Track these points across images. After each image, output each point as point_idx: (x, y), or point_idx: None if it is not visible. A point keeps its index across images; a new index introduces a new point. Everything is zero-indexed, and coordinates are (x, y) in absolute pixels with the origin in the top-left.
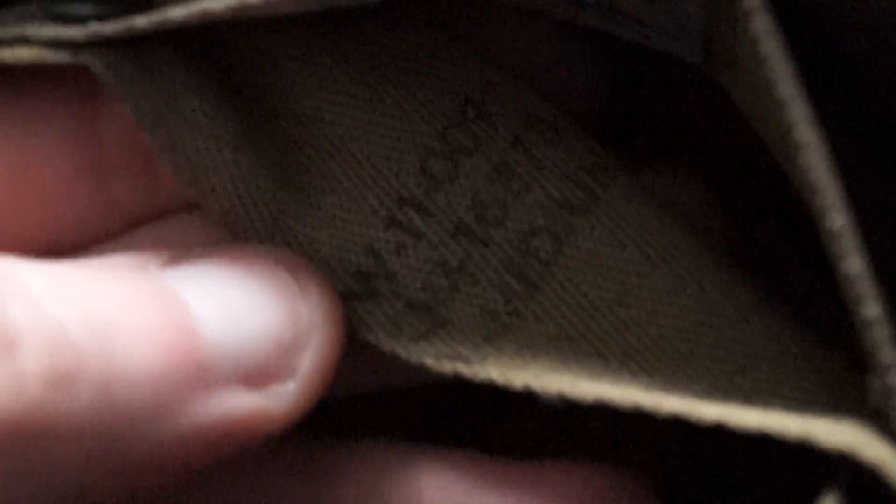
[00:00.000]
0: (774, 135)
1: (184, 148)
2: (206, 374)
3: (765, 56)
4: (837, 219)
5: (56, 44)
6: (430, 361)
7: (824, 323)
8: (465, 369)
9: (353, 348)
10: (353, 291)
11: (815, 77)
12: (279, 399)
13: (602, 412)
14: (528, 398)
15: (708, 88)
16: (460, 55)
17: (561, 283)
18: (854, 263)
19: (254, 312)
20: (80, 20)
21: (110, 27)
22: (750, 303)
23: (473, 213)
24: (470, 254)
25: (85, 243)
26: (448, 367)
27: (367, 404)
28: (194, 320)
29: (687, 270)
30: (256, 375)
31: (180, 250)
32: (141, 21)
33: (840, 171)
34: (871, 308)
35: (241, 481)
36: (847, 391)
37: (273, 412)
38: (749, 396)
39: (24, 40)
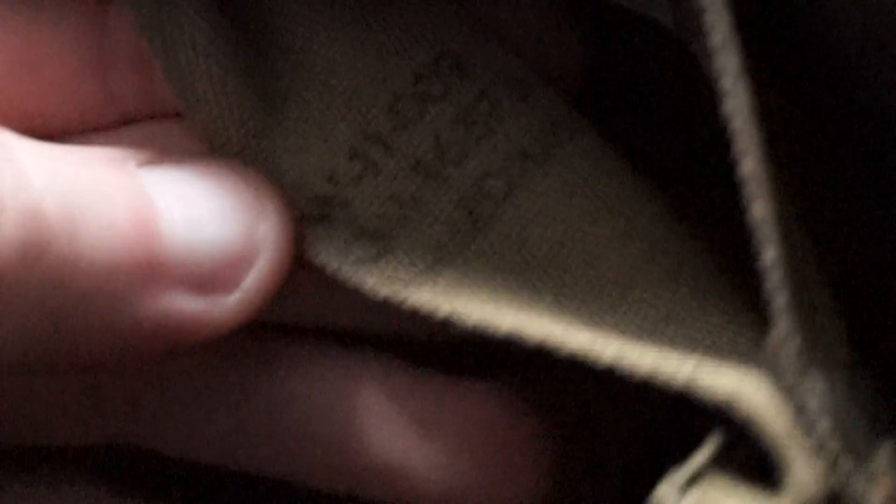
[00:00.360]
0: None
1: (176, 58)
2: (157, 273)
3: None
4: (748, 162)
5: None
6: (369, 283)
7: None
8: (400, 293)
9: (302, 277)
10: (308, 214)
11: (800, 64)
12: (220, 309)
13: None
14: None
15: (684, 57)
16: (446, 5)
17: (508, 223)
18: (759, 207)
19: (213, 224)
20: None
21: None
22: (686, 258)
23: (433, 153)
24: (425, 188)
25: (81, 131)
26: (384, 290)
27: None
28: (158, 221)
29: (631, 223)
30: (203, 283)
31: (161, 152)
32: None
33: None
34: (771, 252)
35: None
36: (759, 344)
37: (213, 320)
38: (670, 344)
39: None
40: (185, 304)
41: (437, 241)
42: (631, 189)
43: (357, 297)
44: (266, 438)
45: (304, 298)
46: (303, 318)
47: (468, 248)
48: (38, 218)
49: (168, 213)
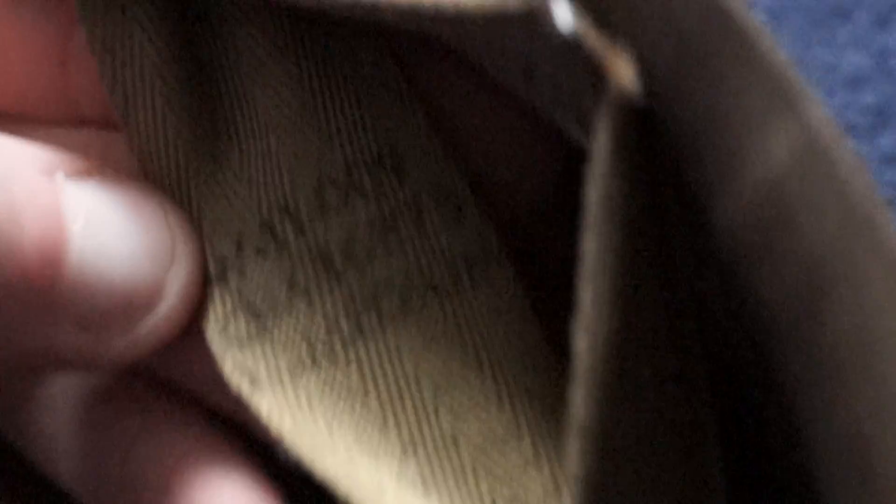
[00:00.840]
0: None
1: (123, 82)
2: (50, 305)
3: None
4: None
5: None
6: (227, 368)
7: None
8: (246, 391)
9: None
10: (209, 272)
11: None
12: (105, 348)
13: None
14: None
15: None
16: (405, 95)
17: (387, 345)
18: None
19: (122, 263)
20: None
21: None
22: (552, 447)
23: (341, 249)
24: (319, 282)
25: (34, 120)
26: (235, 381)
27: None
28: (67, 251)
29: (509, 395)
30: (95, 322)
31: (95, 164)
32: None
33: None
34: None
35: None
36: None
37: (94, 357)
38: None
39: None
40: (69, 339)
41: (310, 339)
42: (518, 354)
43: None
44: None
45: (188, 357)
46: (177, 373)
47: (338, 356)
48: None
49: (80, 243)
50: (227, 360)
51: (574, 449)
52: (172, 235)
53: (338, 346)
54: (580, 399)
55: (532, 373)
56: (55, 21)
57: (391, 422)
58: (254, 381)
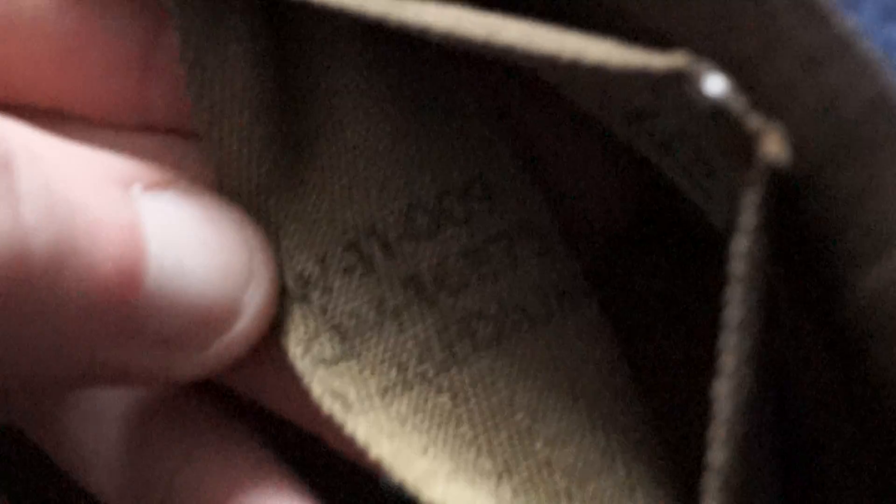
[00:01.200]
0: None
1: (212, 93)
2: (128, 325)
3: (731, 275)
4: (719, 454)
5: None
6: (316, 391)
7: None
8: (339, 414)
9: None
10: (288, 289)
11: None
12: (178, 366)
13: None
14: None
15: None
16: (498, 128)
17: (480, 372)
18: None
19: (200, 281)
20: None
21: None
22: (644, 474)
23: (433, 274)
24: (410, 305)
25: (110, 125)
26: (327, 405)
27: None
28: (145, 268)
29: (602, 423)
30: (171, 340)
31: (171, 174)
32: None
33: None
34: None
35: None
36: None
37: (168, 376)
38: None
39: None
40: (143, 356)
41: (403, 362)
42: (608, 383)
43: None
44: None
45: (261, 372)
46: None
47: (430, 382)
48: (24, 259)
49: (158, 259)
50: (316, 383)
51: (712, 487)
52: (250, 252)
53: (430, 373)
54: (719, 443)
55: (621, 403)
56: (140, 26)
57: (485, 448)
58: (345, 403)
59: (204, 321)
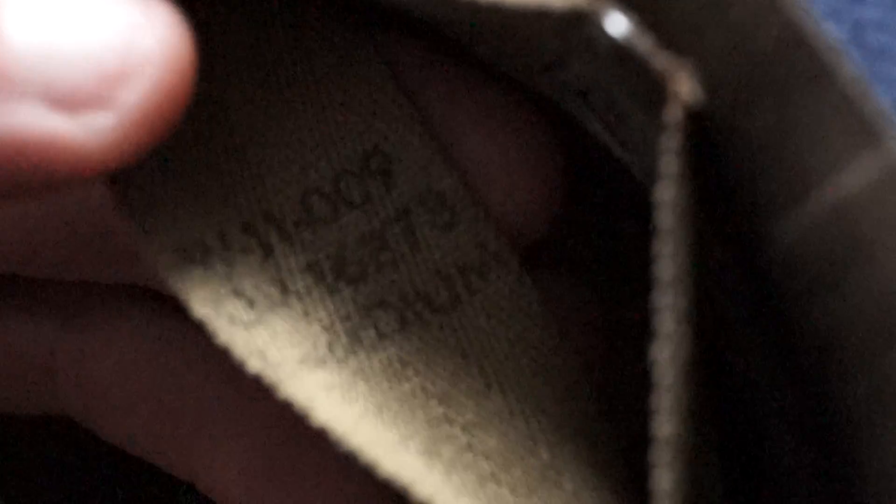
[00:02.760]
0: None
1: None
2: (2, 76)
3: (657, 227)
4: (666, 425)
5: None
6: (239, 348)
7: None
8: (270, 375)
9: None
10: (189, 251)
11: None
12: (89, 130)
13: None
14: None
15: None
16: (391, 89)
17: (389, 360)
18: (664, 479)
19: (77, 25)
20: None
21: None
22: (570, 455)
23: (332, 262)
24: (311, 292)
25: None
26: (254, 363)
27: None
28: (2, 17)
29: (520, 406)
30: (65, 98)
31: None
32: None
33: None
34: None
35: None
36: None
37: (79, 140)
38: None
39: None
40: (42, 119)
41: (313, 342)
42: (525, 362)
43: None
44: None
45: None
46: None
47: (342, 363)
48: None
49: (17, 7)
50: (236, 341)
51: (662, 462)
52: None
53: (340, 353)
54: (664, 412)
55: (541, 378)
56: None
57: (407, 430)
58: (269, 365)
59: (93, 72)
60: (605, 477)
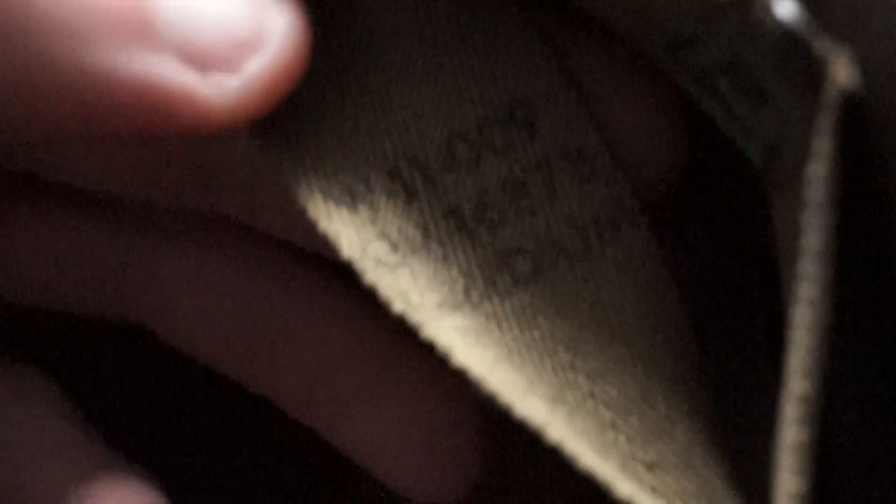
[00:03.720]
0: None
1: None
2: (143, 27)
3: (808, 201)
4: (797, 386)
5: None
6: (384, 290)
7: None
8: (413, 317)
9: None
10: (336, 197)
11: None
12: (215, 88)
13: None
14: None
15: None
16: (537, 43)
17: (522, 305)
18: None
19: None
20: None
21: None
22: (683, 409)
23: (473, 207)
24: (453, 236)
25: None
26: (398, 304)
27: None
28: None
29: (641, 358)
30: (197, 56)
31: None
32: None
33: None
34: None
35: None
36: None
37: (205, 98)
38: (648, 491)
39: None
40: (174, 70)
41: (450, 287)
42: (648, 317)
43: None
44: None
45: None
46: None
47: (476, 308)
48: None
49: None
50: (382, 283)
51: (794, 418)
52: None
53: (475, 298)
54: (800, 373)
55: (662, 335)
56: None
57: (535, 376)
58: (411, 307)
59: (228, 37)
60: (710, 433)
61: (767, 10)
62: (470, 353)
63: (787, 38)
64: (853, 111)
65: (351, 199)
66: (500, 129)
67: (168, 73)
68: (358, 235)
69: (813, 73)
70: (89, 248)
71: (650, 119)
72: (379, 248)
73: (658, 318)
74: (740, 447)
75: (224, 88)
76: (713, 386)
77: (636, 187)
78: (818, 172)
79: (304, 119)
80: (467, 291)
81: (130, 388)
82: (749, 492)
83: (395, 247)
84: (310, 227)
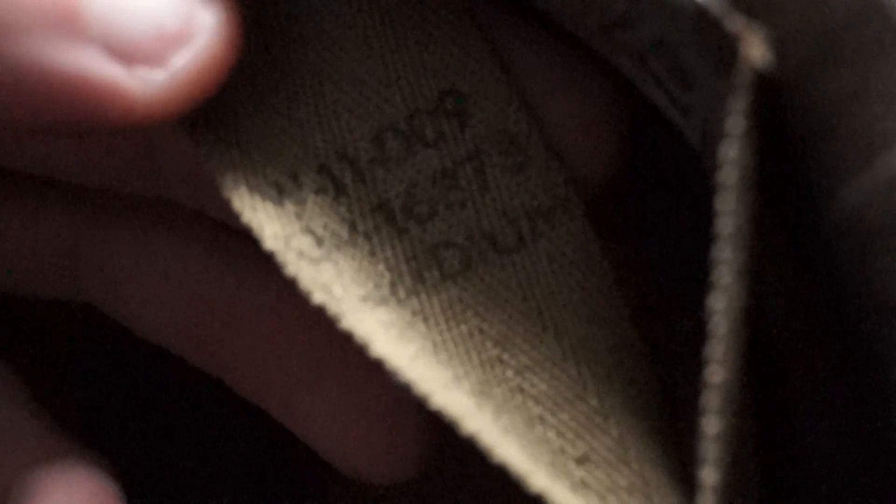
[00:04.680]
0: None
1: None
2: (70, 19)
3: (720, 184)
4: (719, 371)
5: None
6: (304, 281)
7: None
8: (333, 308)
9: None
10: (260, 189)
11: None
12: (141, 82)
13: None
14: None
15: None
16: (470, 30)
17: (450, 300)
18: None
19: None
20: None
21: None
22: (618, 403)
23: (402, 201)
24: (380, 231)
25: None
26: (318, 295)
27: None
28: None
29: (573, 352)
30: (124, 50)
31: None
32: None
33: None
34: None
35: None
36: None
37: (131, 91)
38: (577, 486)
39: None
40: (100, 64)
41: (377, 280)
42: (582, 309)
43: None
44: None
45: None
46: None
47: (402, 303)
48: None
49: None
50: (303, 274)
51: (712, 407)
52: None
53: (401, 294)
54: (716, 361)
55: (596, 327)
56: None
57: (461, 371)
58: (333, 298)
59: (155, 31)
60: (649, 426)
61: None
62: (390, 346)
63: (700, 16)
64: (770, 91)
65: (277, 194)
66: (431, 121)
67: (94, 66)
68: (282, 229)
69: (728, 52)
70: (41, 230)
71: (587, 109)
72: (303, 242)
73: (593, 310)
74: (688, 439)
75: (150, 82)
76: (661, 378)
77: (572, 175)
78: (729, 154)
79: (233, 113)
80: (393, 287)
81: (96, 374)
82: (693, 485)
83: (319, 241)
84: None
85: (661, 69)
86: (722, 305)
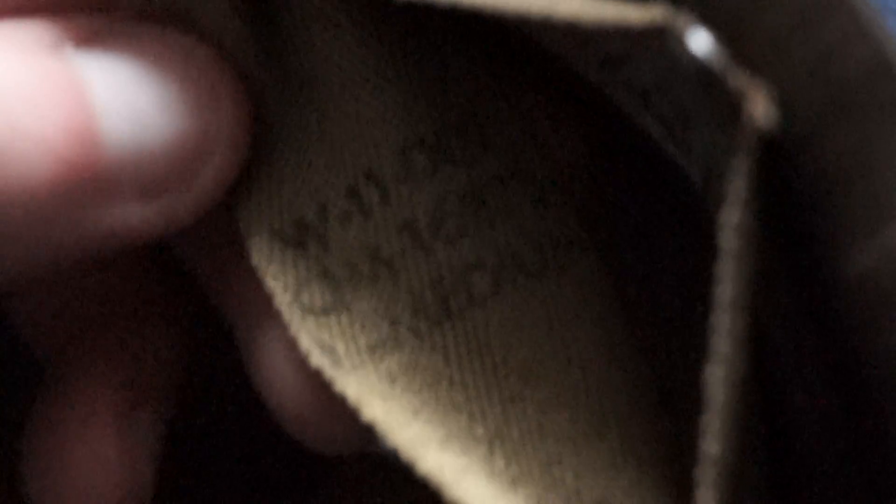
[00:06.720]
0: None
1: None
2: (101, 185)
3: (722, 248)
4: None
5: None
6: (304, 341)
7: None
8: (328, 370)
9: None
10: (286, 235)
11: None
12: (172, 211)
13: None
14: None
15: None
16: (483, 66)
17: (475, 328)
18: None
19: (162, 118)
20: None
21: None
22: (639, 442)
23: (428, 219)
24: (405, 253)
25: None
26: (316, 357)
27: None
28: (98, 123)
29: (597, 387)
30: (154, 188)
31: (101, 30)
32: None
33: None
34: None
35: None
36: None
37: (165, 223)
38: None
39: None
40: (135, 213)
41: (394, 316)
42: (602, 343)
43: None
44: None
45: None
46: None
47: (423, 338)
48: None
49: (109, 109)
50: (304, 333)
51: (707, 481)
52: (208, 80)
53: (423, 328)
54: (714, 431)
55: (615, 367)
56: None
57: (477, 413)
58: (334, 358)
59: (179, 159)
60: (666, 469)
61: (681, 42)
62: (388, 403)
63: (703, 70)
64: (774, 150)
65: (302, 233)
66: (457, 138)
67: (124, 216)
68: (296, 278)
69: (731, 107)
70: None
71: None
72: (314, 291)
73: (613, 346)
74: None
75: (179, 208)
76: (675, 414)
77: (582, 217)
78: (732, 219)
79: (261, 155)
80: (415, 318)
81: None
82: None
83: (336, 286)
84: None
85: (663, 106)
86: (720, 375)
